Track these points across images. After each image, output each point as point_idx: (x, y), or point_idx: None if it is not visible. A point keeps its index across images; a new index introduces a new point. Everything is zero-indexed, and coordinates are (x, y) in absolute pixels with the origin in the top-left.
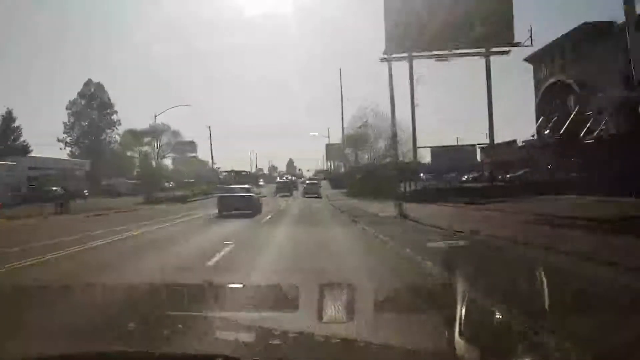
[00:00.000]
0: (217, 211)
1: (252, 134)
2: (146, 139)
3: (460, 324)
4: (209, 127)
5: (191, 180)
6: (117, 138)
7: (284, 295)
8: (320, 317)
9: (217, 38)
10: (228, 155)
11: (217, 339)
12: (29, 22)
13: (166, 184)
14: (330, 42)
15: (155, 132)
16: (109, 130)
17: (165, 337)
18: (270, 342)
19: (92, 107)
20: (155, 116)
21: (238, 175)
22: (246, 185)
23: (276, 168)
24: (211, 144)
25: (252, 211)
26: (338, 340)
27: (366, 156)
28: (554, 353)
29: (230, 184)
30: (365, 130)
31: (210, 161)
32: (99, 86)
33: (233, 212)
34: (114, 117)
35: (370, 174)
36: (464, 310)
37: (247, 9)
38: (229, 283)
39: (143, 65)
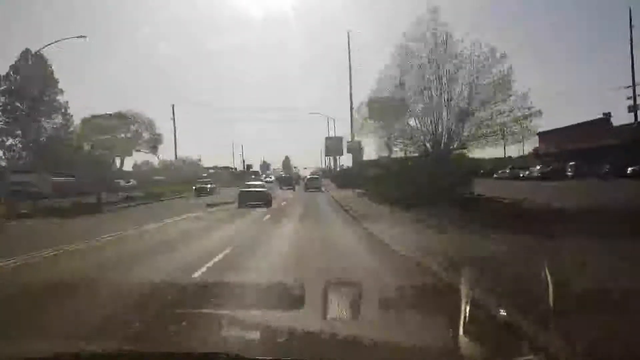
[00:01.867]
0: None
1: (246, 130)
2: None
3: (464, 322)
4: (172, 106)
5: (159, 178)
6: (68, 125)
7: None
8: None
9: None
10: (219, 151)
11: (222, 337)
12: None
13: (122, 183)
14: (332, 38)
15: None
16: (54, 115)
17: (170, 335)
18: (276, 339)
19: (30, 85)
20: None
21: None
22: (261, 183)
23: (269, 165)
24: (175, 129)
25: (264, 203)
26: (343, 338)
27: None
28: (556, 352)
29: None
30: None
31: (174, 151)
32: (40, 58)
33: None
34: (60, 98)
35: (426, 166)
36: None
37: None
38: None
39: (122, 49)
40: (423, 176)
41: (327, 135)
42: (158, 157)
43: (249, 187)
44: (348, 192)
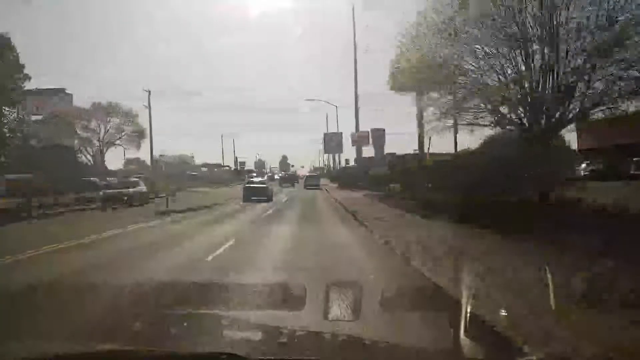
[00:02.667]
0: None
1: (241, 127)
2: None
3: (465, 322)
4: (148, 93)
5: (143, 175)
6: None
7: None
8: None
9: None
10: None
11: (223, 337)
12: None
13: (97, 181)
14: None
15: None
16: (19, 105)
17: (171, 336)
18: (277, 340)
19: None
20: None
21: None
22: (262, 179)
23: (264, 163)
24: (150, 120)
25: (267, 198)
26: (344, 338)
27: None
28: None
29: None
30: None
31: (150, 146)
32: (3, 41)
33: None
34: (26, 85)
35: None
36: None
37: None
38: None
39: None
40: (498, 169)
41: (326, 132)
42: (124, 154)
43: (253, 184)
44: (353, 193)
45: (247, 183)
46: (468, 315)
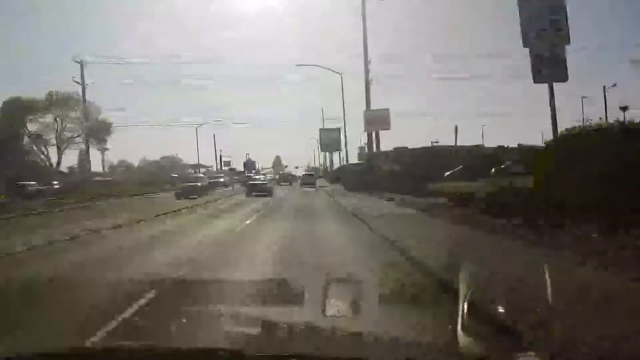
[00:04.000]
0: None
1: (232, 127)
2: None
3: (462, 318)
4: (80, 62)
5: (101, 179)
6: None
7: None
8: None
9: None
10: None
11: (223, 332)
12: None
13: (33, 186)
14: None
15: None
16: None
17: (171, 331)
18: (276, 335)
19: None
20: None
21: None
22: (263, 177)
23: (254, 163)
24: (84, 93)
25: (267, 193)
26: (344, 333)
27: None
28: (556, 348)
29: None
30: None
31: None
32: None
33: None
34: None
35: None
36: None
37: None
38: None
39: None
40: None
41: (321, 127)
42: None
43: (255, 181)
44: (382, 202)
45: (251, 180)
46: (465, 310)
